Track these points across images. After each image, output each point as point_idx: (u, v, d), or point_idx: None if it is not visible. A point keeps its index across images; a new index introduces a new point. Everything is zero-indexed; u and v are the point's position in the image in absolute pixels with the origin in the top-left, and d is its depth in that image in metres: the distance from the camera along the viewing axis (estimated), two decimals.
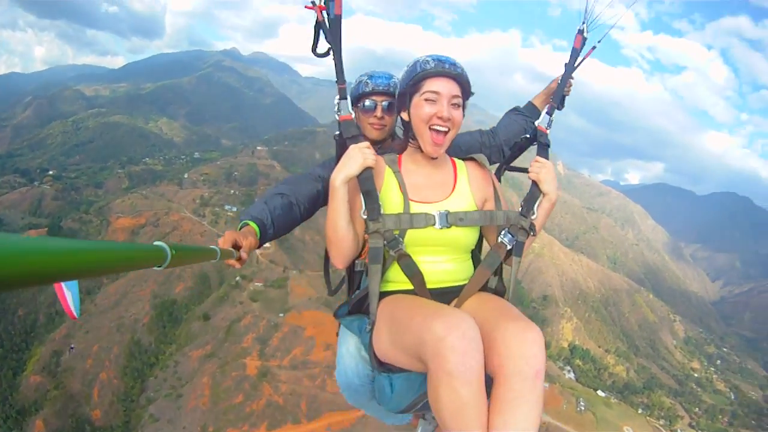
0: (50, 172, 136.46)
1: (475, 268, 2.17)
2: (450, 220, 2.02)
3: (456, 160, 2.28)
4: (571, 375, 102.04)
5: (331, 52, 2.15)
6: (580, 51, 2.53)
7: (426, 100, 2.01)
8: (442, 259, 2.08)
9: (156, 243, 0.99)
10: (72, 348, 70.35)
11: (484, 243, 2.31)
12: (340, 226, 1.99)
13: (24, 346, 73.08)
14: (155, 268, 1.01)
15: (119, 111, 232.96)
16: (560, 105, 2.60)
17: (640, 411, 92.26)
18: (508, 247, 2.08)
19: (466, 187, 2.18)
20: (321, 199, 2.53)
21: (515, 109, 2.97)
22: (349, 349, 2.30)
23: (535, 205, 2.15)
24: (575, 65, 2.55)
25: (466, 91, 2.06)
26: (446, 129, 2.03)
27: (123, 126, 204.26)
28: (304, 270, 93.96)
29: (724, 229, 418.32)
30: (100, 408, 64.08)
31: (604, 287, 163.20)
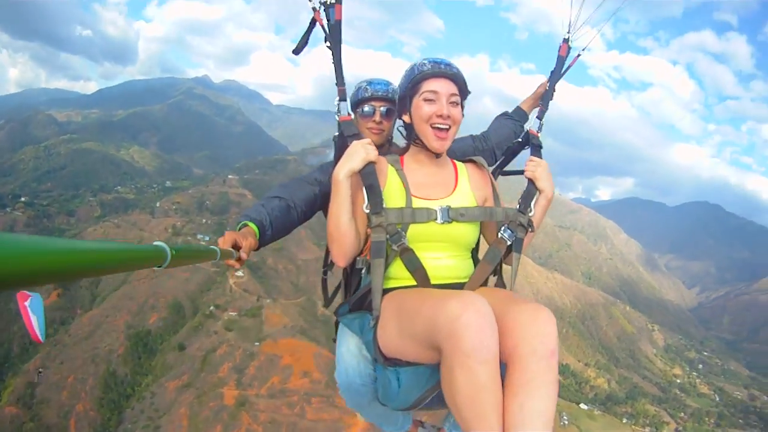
0: (22, 199, 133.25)
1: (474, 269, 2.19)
2: (451, 215, 2.04)
3: (456, 161, 2.35)
4: None
5: (332, 56, 2.25)
6: (566, 58, 2.75)
7: (425, 100, 2.06)
8: (444, 255, 2.10)
9: (156, 243, 1.00)
10: (40, 372, 69.48)
11: (482, 246, 2.35)
12: (342, 222, 2.00)
13: None
14: (156, 268, 1.01)
15: (91, 137, 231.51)
16: (546, 107, 2.74)
17: (624, 421, 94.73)
18: (508, 243, 2.12)
19: (467, 187, 2.24)
20: (318, 202, 2.60)
21: (505, 114, 3.09)
22: (349, 348, 2.31)
23: (532, 202, 2.21)
24: (562, 71, 2.77)
25: (463, 90, 2.13)
26: (447, 126, 2.08)
27: (95, 153, 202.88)
28: (278, 298, 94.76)
29: (698, 237, 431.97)
30: None
31: (580, 302, 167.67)
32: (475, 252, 2.30)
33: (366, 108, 2.68)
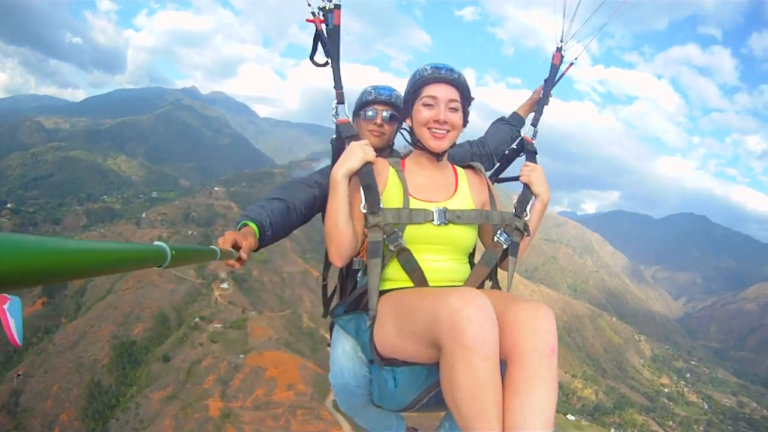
0: (8, 205, 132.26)
1: None
2: (448, 216, 2.05)
3: (456, 166, 2.37)
4: None
5: (330, 60, 2.31)
6: (559, 66, 2.86)
7: (424, 105, 2.09)
8: (442, 258, 2.10)
9: (156, 243, 0.99)
10: (19, 375, 69.07)
11: (478, 253, 2.32)
12: (340, 221, 2.02)
13: None
14: (156, 267, 1.01)
15: (78, 146, 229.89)
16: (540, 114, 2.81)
17: (612, 430, 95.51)
18: (504, 246, 2.13)
19: (467, 191, 2.26)
20: (318, 204, 2.61)
21: (501, 119, 3.15)
22: (344, 349, 2.29)
23: (528, 207, 2.24)
24: (556, 79, 2.87)
25: (465, 96, 2.14)
26: (444, 132, 2.10)
27: (82, 161, 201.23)
28: (263, 311, 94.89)
29: (684, 248, 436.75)
30: None
31: (566, 315, 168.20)
32: (472, 257, 2.32)
33: (369, 111, 2.75)
